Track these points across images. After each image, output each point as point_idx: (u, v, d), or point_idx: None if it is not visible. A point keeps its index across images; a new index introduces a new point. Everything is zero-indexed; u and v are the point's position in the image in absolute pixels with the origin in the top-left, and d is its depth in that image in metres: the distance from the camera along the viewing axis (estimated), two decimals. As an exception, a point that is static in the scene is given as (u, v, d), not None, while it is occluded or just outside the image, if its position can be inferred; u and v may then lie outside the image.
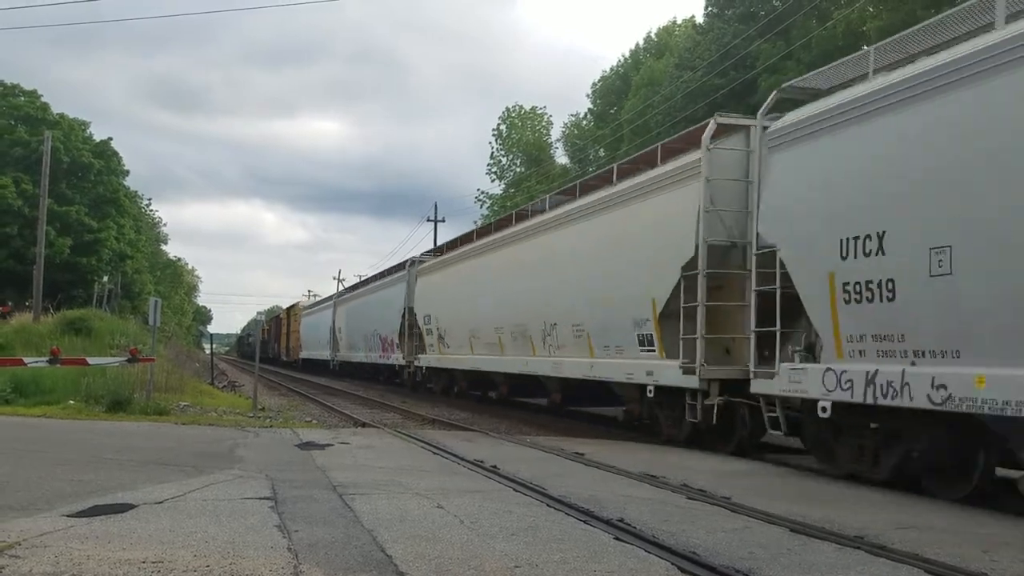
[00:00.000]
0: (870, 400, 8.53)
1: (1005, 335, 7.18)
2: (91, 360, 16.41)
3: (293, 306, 57.54)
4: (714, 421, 11.37)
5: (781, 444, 13.01)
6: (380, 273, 32.68)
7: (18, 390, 16.40)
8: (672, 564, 5.47)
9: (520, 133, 58.40)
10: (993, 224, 7.21)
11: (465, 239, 23.13)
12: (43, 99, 50.11)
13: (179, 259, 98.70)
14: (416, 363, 25.55)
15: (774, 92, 10.49)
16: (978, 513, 7.75)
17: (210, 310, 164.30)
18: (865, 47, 10.47)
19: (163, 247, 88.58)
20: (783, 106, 10.39)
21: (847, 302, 8.73)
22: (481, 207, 60.24)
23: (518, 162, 58.86)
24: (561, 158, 58.62)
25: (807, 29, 30.99)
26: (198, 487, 7.85)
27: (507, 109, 59.80)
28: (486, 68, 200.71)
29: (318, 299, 53.50)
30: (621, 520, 6.76)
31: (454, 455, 10.92)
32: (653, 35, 52.31)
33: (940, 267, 7.62)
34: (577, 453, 11.39)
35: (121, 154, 54.57)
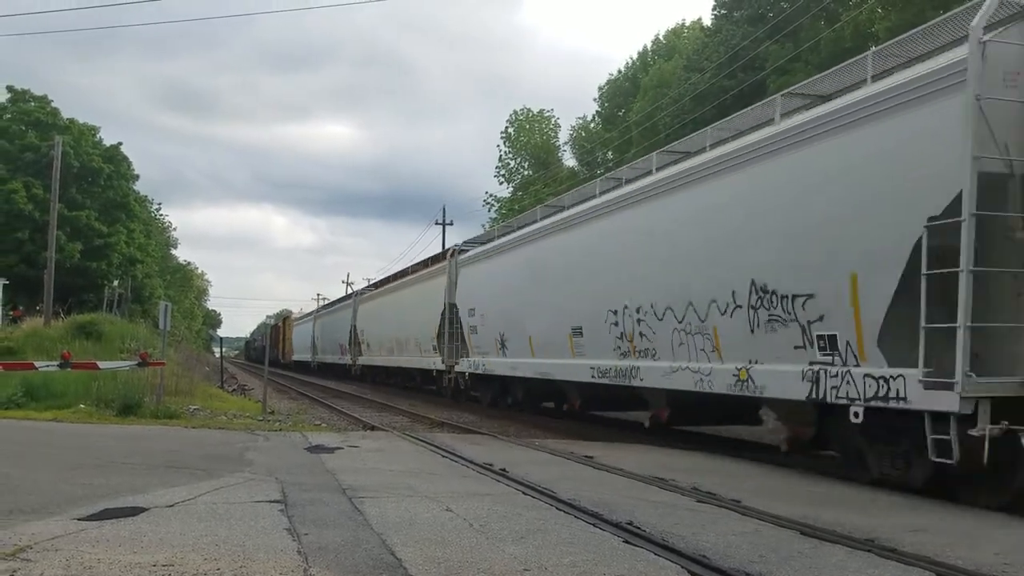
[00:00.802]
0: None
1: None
2: (102, 364, 16.49)
3: (286, 318, 65.43)
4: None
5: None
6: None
7: (29, 394, 16.49)
8: (682, 567, 5.46)
9: (528, 136, 58.45)
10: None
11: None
12: (53, 104, 50.45)
13: (189, 263, 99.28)
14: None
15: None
16: (993, 516, 7.69)
17: (220, 314, 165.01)
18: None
19: (173, 251, 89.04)
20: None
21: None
22: (489, 210, 60.32)
23: (526, 165, 58.91)
24: (569, 161, 58.65)
25: (816, 31, 30.92)
26: (208, 490, 7.87)
27: (515, 112, 59.92)
28: (495, 71, 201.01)
29: (306, 312, 60.39)
30: (630, 523, 6.75)
31: (463, 458, 10.92)
32: (661, 37, 52.32)
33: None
34: (587, 456, 11.37)
35: (132, 159, 54.97)
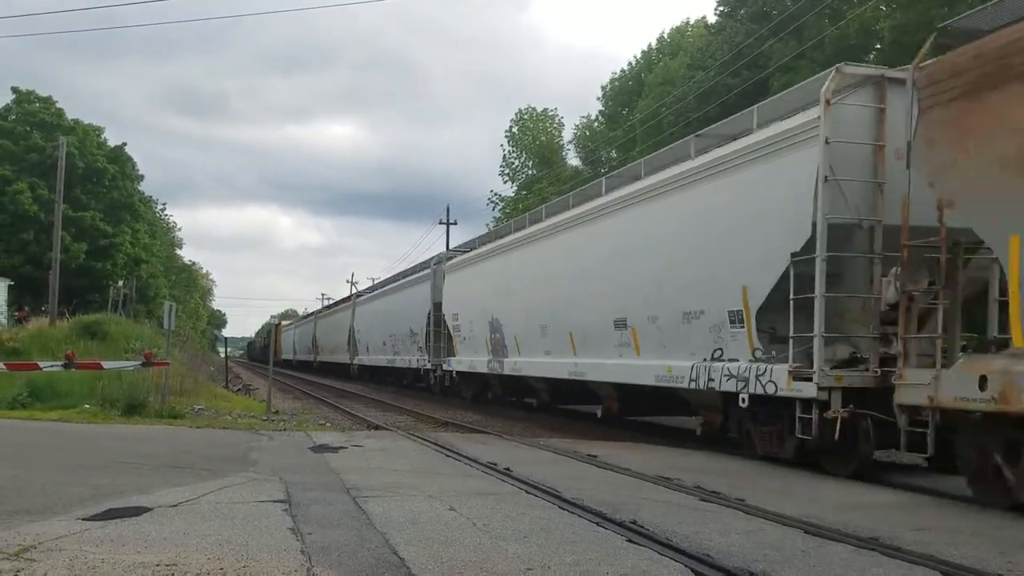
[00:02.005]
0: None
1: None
2: (106, 364, 16.53)
3: (277, 325, 73.17)
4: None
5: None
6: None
7: (34, 394, 16.53)
8: (685, 566, 5.46)
9: (532, 135, 58.43)
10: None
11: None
12: (58, 105, 50.57)
13: (194, 263, 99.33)
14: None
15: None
16: (996, 515, 7.68)
17: (225, 314, 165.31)
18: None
19: (178, 251, 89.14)
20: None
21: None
22: (493, 209, 60.33)
23: (530, 164, 58.89)
24: (573, 160, 58.63)
25: (820, 28, 30.85)
26: (212, 490, 7.89)
27: (519, 111, 59.88)
28: (500, 71, 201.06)
29: (303, 315, 69.64)
30: (634, 522, 6.75)
31: (467, 457, 10.93)
32: (666, 35, 52.27)
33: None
34: (590, 455, 11.37)
35: (138, 160, 55.16)
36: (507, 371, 19.53)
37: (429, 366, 25.01)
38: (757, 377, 10.40)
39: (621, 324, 13.92)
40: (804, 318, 9.71)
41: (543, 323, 17.31)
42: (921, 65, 8.68)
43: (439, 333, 24.14)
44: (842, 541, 6.33)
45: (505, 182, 59.80)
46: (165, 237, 77.11)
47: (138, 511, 6.80)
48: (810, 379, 9.49)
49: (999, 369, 7.54)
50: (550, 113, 59.67)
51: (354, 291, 56.38)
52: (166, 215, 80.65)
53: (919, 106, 8.45)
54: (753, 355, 10.72)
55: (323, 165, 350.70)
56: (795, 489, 9.11)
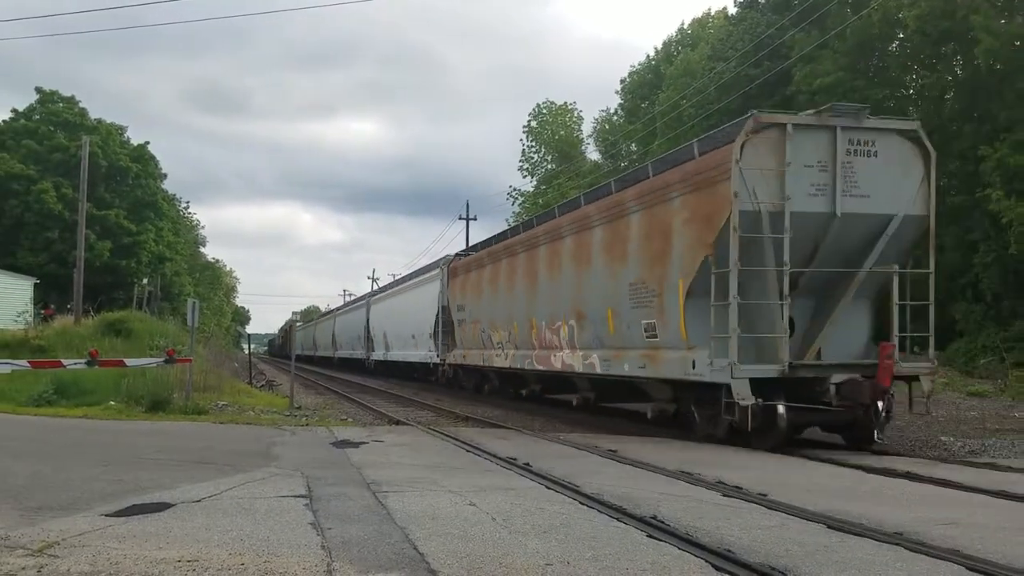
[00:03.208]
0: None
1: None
2: (129, 361, 16.70)
3: (292, 325, 74.96)
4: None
5: (808, 439, 12.89)
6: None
7: (60, 391, 16.75)
8: (706, 562, 5.41)
9: (551, 129, 58.35)
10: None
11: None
12: (81, 105, 51.11)
13: (217, 261, 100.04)
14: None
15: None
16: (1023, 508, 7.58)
17: (248, 310, 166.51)
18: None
19: (202, 249, 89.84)
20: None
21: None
22: (513, 204, 60.34)
23: (549, 158, 58.84)
24: (592, 154, 58.48)
25: (842, 18, 30.53)
26: (234, 485, 7.95)
27: (537, 105, 59.84)
28: (522, 64, 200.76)
29: (322, 313, 72.38)
30: (654, 517, 6.71)
31: (487, 453, 10.93)
32: (686, 27, 51.96)
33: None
34: (610, 450, 11.33)
35: (162, 159, 55.77)
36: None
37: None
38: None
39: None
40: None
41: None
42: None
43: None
44: (866, 536, 6.26)
45: (524, 177, 59.80)
46: (189, 235, 77.74)
47: (160, 507, 6.86)
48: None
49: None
50: (569, 107, 59.56)
51: (374, 287, 57.35)
52: (190, 213, 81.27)
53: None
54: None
55: (344, 162, 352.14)
56: (820, 482, 9.03)
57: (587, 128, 59.54)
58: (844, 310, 11.90)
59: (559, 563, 5.28)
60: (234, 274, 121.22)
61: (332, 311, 63.24)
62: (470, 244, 26.55)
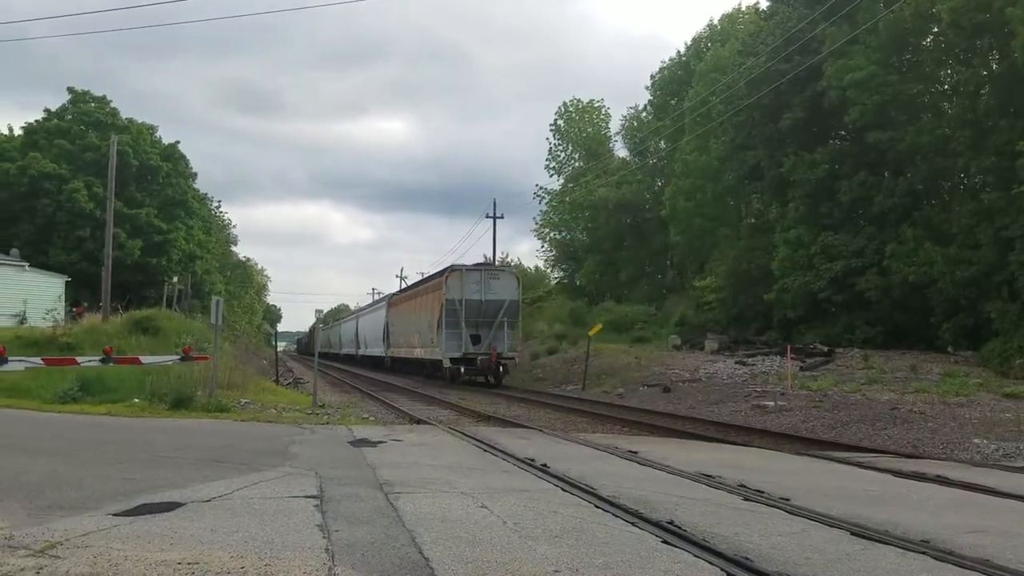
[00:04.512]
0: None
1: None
2: (144, 359, 16.77)
3: (313, 326, 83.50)
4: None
5: (837, 441, 12.63)
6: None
7: (85, 388, 16.84)
8: (721, 570, 5.23)
9: (578, 127, 58.03)
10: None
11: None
12: (112, 104, 51.62)
13: (249, 259, 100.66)
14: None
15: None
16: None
17: (280, 309, 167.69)
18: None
19: (233, 248, 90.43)
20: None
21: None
22: (540, 203, 60.07)
23: (576, 157, 58.52)
24: (620, 151, 58.06)
25: (874, 12, 29.97)
26: (247, 485, 7.87)
27: (564, 104, 59.52)
28: (551, 61, 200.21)
29: (344, 314, 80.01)
30: (671, 522, 6.53)
31: (505, 453, 10.78)
32: (716, 23, 51.44)
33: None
34: (631, 451, 11.15)
35: (196, 158, 56.16)
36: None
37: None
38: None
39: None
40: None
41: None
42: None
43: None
44: (891, 543, 6.04)
45: (551, 175, 59.50)
46: (220, 234, 78.32)
47: (170, 506, 6.79)
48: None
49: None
50: (596, 104, 59.20)
51: (402, 285, 58.77)
52: (221, 212, 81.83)
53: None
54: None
55: (374, 161, 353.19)
56: (846, 486, 8.79)
57: (615, 125, 59.21)
58: (496, 332, 29.63)
59: (568, 569, 5.12)
60: (265, 272, 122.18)
61: (355, 312, 68.26)
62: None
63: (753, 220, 41.17)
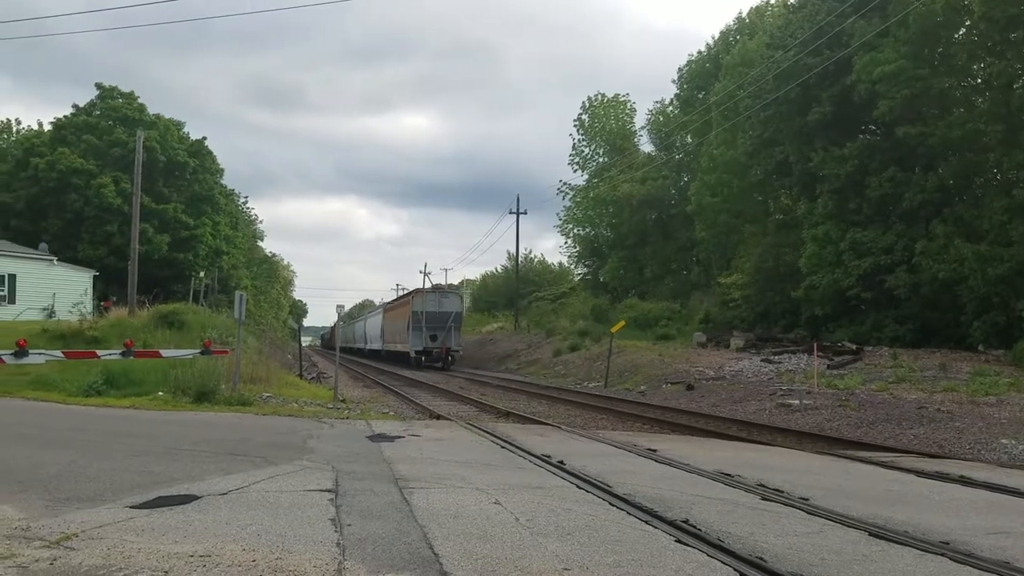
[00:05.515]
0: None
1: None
2: (165, 352, 16.92)
3: (335, 324, 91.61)
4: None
5: (862, 440, 12.49)
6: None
7: (110, 382, 17.06)
8: (734, 570, 5.19)
9: (603, 122, 57.77)
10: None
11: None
12: (140, 100, 52.18)
13: (275, 255, 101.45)
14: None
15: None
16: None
17: (305, 304, 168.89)
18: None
19: (260, 243, 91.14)
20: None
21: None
22: (563, 198, 59.92)
23: (601, 151, 58.28)
24: (646, 146, 57.73)
25: (904, 4, 29.53)
26: (263, 478, 7.93)
27: (588, 99, 59.28)
28: (577, 55, 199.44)
29: (360, 312, 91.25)
30: (686, 521, 6.49)
31: (522, 449, 10.78)
32: (744, 15, 50.97)
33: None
34: (650, 449, 11.09)
35: (223, 154, 56.89)
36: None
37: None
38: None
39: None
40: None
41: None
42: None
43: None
44: (910, 545, 5.96)
45: (575, 171, 59.35)
46: (247, 229, 78.96)
47: (186, 499, 6.86)
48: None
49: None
50: (621, 99, 58.92)
51: (426, 283, 61.00)
52: (248, 208, 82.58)
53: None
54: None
55: (399, 156, 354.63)
56: (868, 486, 8.69)
57: (640, 120, 58.91)
58: (448, 333, 42.21)
59: (578, 568, 5.11)
60: (291, 268, 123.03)
61: (366, 313, 75.81)
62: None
63: (780, 216, 40.78)
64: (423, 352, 42.04)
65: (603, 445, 11.83)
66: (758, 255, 38.06)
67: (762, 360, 27.32)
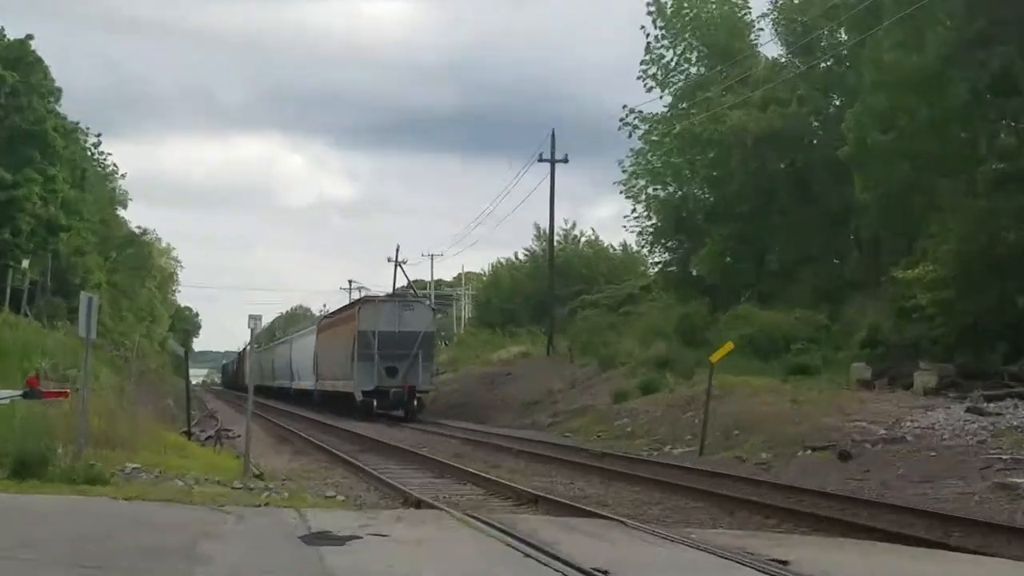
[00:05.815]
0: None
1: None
2: (-53, 397, 16.96)
3: (245, 348, 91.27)
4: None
5: None
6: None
7: None
8: None
9: (697, 7, 57.57)
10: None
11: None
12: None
13: (147, 231, 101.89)
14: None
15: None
16: None
17: (198, 314, 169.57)
18: None
19: (121, 213, 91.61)
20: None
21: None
22: (630, 136, 59.52)
23: (694, 57, 58.10)
24: (769, 48, 57.48)
25: None
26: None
27: (672, -32, 59.03)
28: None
29: (282, 336, 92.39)
30: None
31: (560, 559, 10.69)
32: None
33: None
34: (777, 561, 11.02)
35: (59, 63, 56.99)
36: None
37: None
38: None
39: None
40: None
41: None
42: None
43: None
44: None
45: (649, 89, 59.03)
46: (100, 189, 79.43)
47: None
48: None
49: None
50: (728, -30, 58.76)
51: (396, 274, 63.13)
52: (101, 153, 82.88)
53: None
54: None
55: (358, 66, 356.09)
56: None
57: (759, 4, 58.77)
58: (411, 365, 47.66)
59: None
60: (174, 254, 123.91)
61: (310, 324, 74.97)
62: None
63: (1000, 164, 40.56)
64: (374, 393, 45.40)
65: (697, 553, 11.78)
66: (962, 232, 37.86)
67: (968, 409, 27.23)
